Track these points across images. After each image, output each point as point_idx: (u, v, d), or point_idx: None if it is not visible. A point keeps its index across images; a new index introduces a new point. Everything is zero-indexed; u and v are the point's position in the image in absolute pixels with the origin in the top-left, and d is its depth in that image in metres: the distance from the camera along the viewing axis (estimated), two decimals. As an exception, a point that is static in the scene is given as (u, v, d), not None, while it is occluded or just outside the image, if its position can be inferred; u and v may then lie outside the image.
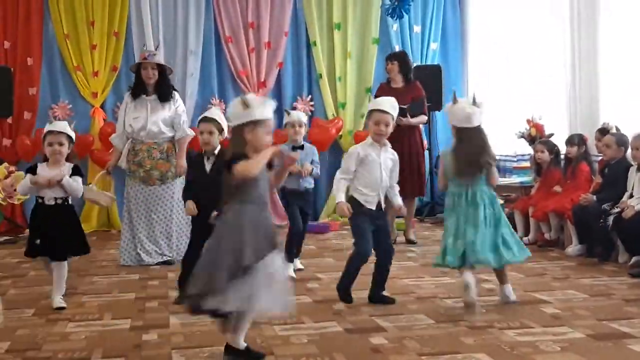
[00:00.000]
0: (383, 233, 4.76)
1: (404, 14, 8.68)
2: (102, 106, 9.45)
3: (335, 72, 10.05)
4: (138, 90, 6.55)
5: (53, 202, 4.81)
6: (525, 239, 7.32)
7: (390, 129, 4.62)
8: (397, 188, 4.82)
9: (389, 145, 4.76)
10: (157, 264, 6.39)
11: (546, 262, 6.28)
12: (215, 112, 5.22)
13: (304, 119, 5.98)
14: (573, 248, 6.62)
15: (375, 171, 4.66)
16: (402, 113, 7.33)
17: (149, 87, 6.53)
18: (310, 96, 10.03)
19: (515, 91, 9.07)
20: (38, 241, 4.82)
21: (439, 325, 4.11)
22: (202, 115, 5.20)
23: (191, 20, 9.59)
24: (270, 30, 9.88)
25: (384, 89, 7.53)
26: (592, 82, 7.61)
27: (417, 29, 10.26)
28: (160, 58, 6.70)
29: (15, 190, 8.18)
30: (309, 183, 5.93)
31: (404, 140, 7.28)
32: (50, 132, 4.89)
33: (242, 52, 9.79)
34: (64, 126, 4.94)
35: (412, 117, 7.49)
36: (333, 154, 9.97)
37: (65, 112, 9.30)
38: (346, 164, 4.74)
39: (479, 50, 10.18)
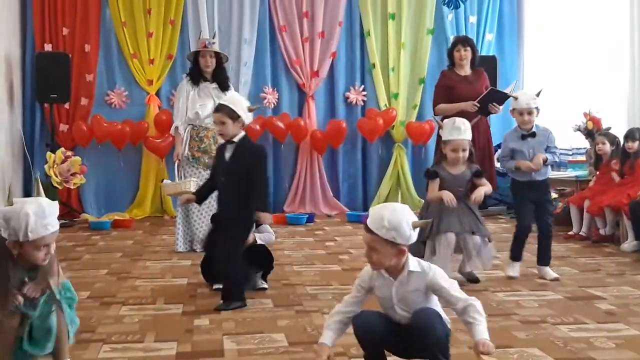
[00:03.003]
0: None
1: (461, 3, 8.48)
2: (157, 93, 9.54)
3: (388, 62, 9.99)
4: (197, 77, 6.59)
5: None
6: (581, 233, 7.19)
7: (384, 258, 2.94)
8: None
9: None
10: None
11: (601, 257, 6.17)
12: (231, 99, 4.76)
13: (534, 103, 5.20)
14: (629, 244, 6.49)
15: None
16: (503, 98, 6.68)
17: (207, 75, 6.59)
18: (363, 86, 10.00)
19: (572, 84, 8.92)
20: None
21: (491, 319, 4.03)
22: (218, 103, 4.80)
23: (246, 9, 9.61)
24: (324, 20, 9.86)
25: (452, 77, 6.97)
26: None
27: (472, 19, 10.14)
28: (217, 46, 6.73)
29: (71, 174, 8.34)
30: (542, 174, 5.26)
31: (474, 131, 6.89)
32: None
33: (295, 42, 9.80)
34: None
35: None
36: (385, 144, 9.97)
37: (121, 99, 9.43)
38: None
39: (535, 41, 10.02)
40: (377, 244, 2.90)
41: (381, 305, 3.08)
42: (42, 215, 2.88)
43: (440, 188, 4.95)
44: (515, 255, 5.29)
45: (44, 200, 2.99)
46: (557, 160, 5.35)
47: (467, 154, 4.93)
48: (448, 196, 4.86)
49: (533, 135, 5.19)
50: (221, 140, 4.67)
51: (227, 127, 4.49)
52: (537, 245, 5.30)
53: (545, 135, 5.23)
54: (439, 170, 4.99)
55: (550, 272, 5.22)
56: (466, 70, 6.98)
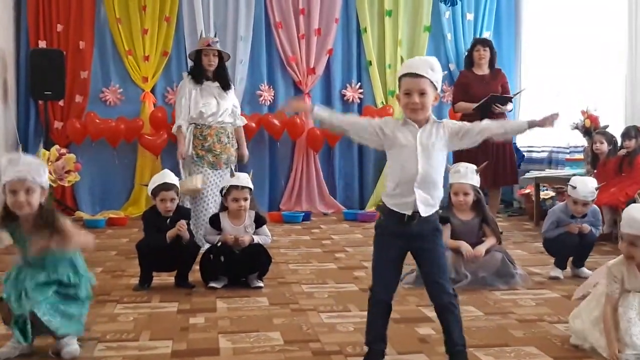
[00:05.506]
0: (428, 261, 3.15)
1: (458, 1, 8.58)
2: (152, 91, 9.51)
3: (385, 59, 9.97)
4: (199, 76, 6.52)
5: (239, 250, 4.91)
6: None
7: (429, 101, 3.10)
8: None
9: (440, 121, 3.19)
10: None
11: (599, 256, 6.12)
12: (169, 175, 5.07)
13: (592, 196, 5.03)
14: (626, 243, 6.46)
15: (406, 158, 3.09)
16: (505, 101, 7.20)
17: (209, 74, 6.52)
18: (359, 83, 9.98)
19: (570, 82, 8.89)
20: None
21: (487, 317, 4.04)
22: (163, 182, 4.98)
23: (242, 6, 9.58)
24: (320, 17, 9.84)
25: (470, 77, 7.41)
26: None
27: (469, 16, 10.12)
28: (219, 45, 6.68)
29: (65, 172, 8.29)
30: None
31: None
32: (235, 186, 4.91)
33: (292, 39, 9.77)
34: (247, 180, 4.94)
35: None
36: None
37: (116, 96, 9.39)
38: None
39: (532, 39, 10.00)
40: (427, 86, 3.08)
41: (399, 157, 3.13)
42: (15, 163, 3.29)
43: (452, 235, 4.91)
44: (562, 266, 5.19)
45: (24, 155, 3.40)
46: (597, 234, 5.22)
47: (469, 198, 4.88)
48: (467, 249, 4.81)
49: (584, 216, 5.12)
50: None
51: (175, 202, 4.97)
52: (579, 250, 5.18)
53: (594, 216, 5.15)
54: (449, 215, 4.94)
55: (585, 271, 5.14)
56: (484, 70, 7.42)
